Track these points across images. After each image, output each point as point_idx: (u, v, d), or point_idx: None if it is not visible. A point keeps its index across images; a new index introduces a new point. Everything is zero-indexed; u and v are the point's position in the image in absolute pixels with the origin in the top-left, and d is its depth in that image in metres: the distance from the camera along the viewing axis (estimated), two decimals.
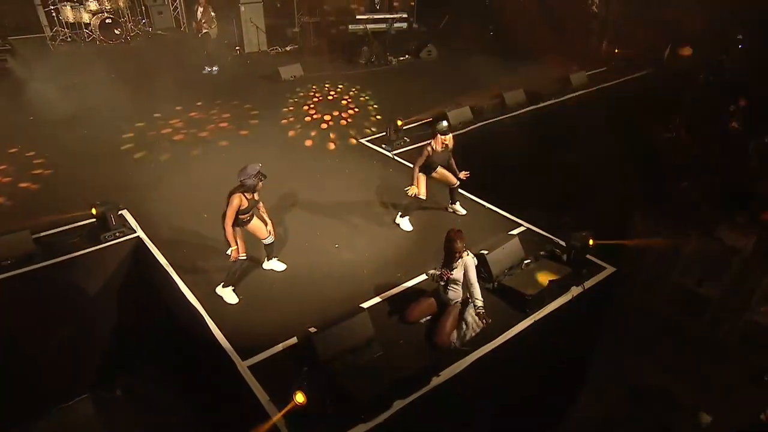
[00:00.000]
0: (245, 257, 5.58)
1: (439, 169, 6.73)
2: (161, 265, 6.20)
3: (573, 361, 5.95)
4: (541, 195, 8.02)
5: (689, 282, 8.16)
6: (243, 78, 12.85)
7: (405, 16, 13.48)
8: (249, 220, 5.56)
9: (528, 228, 6.90)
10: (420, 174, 6.61)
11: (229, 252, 5.42)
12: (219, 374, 5.27)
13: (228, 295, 5.66)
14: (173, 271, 6.07)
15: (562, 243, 6.28)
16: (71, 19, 13.26)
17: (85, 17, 13.17)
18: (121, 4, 13.73)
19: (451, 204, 7.22)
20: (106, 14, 13.23)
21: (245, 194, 5.30)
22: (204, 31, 12.61)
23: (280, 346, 5.01)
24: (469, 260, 5.01)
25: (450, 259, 5.04)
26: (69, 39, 13.22)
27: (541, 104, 10.90)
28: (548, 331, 5.42)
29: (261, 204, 5.62)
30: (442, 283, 5.14)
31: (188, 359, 6.40)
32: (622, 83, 12.45)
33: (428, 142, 6.56)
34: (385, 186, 7.93)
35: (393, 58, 13.85)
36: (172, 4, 15.24)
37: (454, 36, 15.80)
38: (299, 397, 4.07)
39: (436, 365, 4.74)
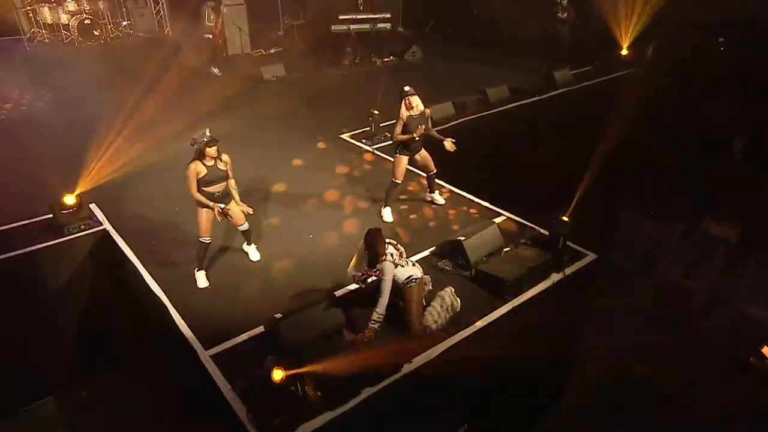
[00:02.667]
0: (208, 240, 5.39)
1: (422, 153, 6.57)
2: (128, 257, 5.97)
3: (554, 348, 5.74)
4: (522, 187, 7.87)
5: (675, 273, 8.03)
6: (224, 78, 12.69)
7: (388, 16, 13.38)
8: (223, 196, 5.32)
9: (508, 217, 6.73)
10: (401, 156, 6.44)
11: (204, 224, 5.29)
12: (183, 367, 5.02)
13: (199, 278, 5.51)
14: (138, 261, 5.83)
15: (543, 231, 6.12)
16: (49, 21, 13.08)
17: (64, 18, 12.99)
18: (101, 5, 13.57)
19: (430, 193, 7.05)
20: (84, 15, 13.06)
21: (202, 161, 5.10)
22: (213, 33, 12.49)
23: (245, 335, 4.78)
24: (389, 267, 4.61)
25: (373, 261, 4.67)
26: (47, 40, 13.02)
27: (525, 100, 10.80)
28: (527, 317, 5.23)
29: (233, 182, 5.40)
30: (363, 286, 4.89)
31: (157, 356, 6.14)
32: (609, 80, 12.40)
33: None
34: (365, 179, 7.76)
35: (377, 59, 13.76)
36: (155, 7, 15.11)
37: (440, 39, 15.77)
38: (276, 374, 3.84)
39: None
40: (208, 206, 5.19)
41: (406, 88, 6.34)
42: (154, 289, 5.40)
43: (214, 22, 12.46)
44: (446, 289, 5.02)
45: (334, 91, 11.86)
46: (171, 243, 6.19)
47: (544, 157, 9.13)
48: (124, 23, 14.15)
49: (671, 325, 7.46)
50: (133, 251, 6.01)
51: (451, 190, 7.40)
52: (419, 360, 4.47)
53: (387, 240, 4.79)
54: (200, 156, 5.10)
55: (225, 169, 5.26)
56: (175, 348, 4.99)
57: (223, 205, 5.22)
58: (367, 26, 13.34)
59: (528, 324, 5.23)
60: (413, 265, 4.93)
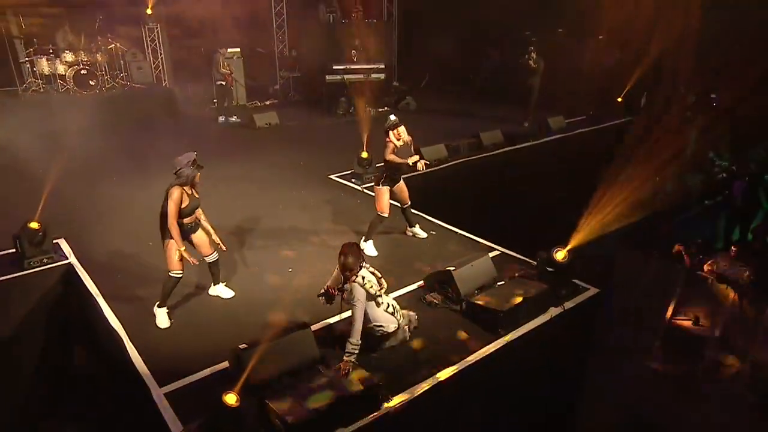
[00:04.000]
0: (180, 274, 4.92)
1: (400, 184, 6.34)
2: (90, 292, 5.50)
3: (556, 388, 5.16)
4: (517, 225, 7.47)
5: (683, 320, 7.46)
6: (215, 125, 12.68)
7: (382, 66, 13.51)
8: (193, 228, 4.94)
9: (502, 252, 6.32)
10: (383, 187, 6.17)
11: (176, 256, 4.78)
12: (136, 407, 4.44)
13: (160, 316, 4.95)
14: (100, 295, 5.37)
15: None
16: (46, 71, 13.17)
17: (60, 69, 13.08)
18: (98, 57, 13.72)
19: (409, 228, 6.71)
20: (81, 66, 13.17)
21: (184, 188, 4.72)
22: (226, 80, 12.77)
23: (207, 371, 4.25)
24: (359, 291, 4.15)
25: (343, 278, 4.27)
26: (41, 90, 13.05)
27: (518, 145, 10.64)
28: (522, 354, 4.70)
29: (200, 211, 5.03)
30: (328, 304, 4.40)
31: (113, 396, 5.53)
32: (602, 129, 12.32)
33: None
34: (352, 216, 7.40)
35: (371, 109, 13.74)
36: (154, 61, 15.33)
37: (433, 93, 15.93)
38: (230, 399, 3.33)
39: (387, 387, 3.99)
40: (179, 247, 4.74)
41: (393, 118, 6.13)
42: (111, 323, 4.91)
43: (227, 69, 12.78)
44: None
45: (325, 137, 11.75)
46: (139, 278, 5.74)
47: (540, 198, 8.85)
48: (121, 75, 14.26)
49: (682, 370, 6.82)
50: (96, 286, 5.56)
51: (439, 225, 7.03)
52: (401, 397, 3.94)
53: (370, 268, 4.37)
54: (188, 182, 4.73)
55: (197, 197, 4.91)
56: (130, 386, 4.45)
57: (184, 248, 4.78)
58: (361, 76, 13.43)
59: (525, 361, 4.71)
60: (393, 309, 4.45)
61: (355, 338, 4.10)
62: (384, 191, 6.17)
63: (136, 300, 5.35)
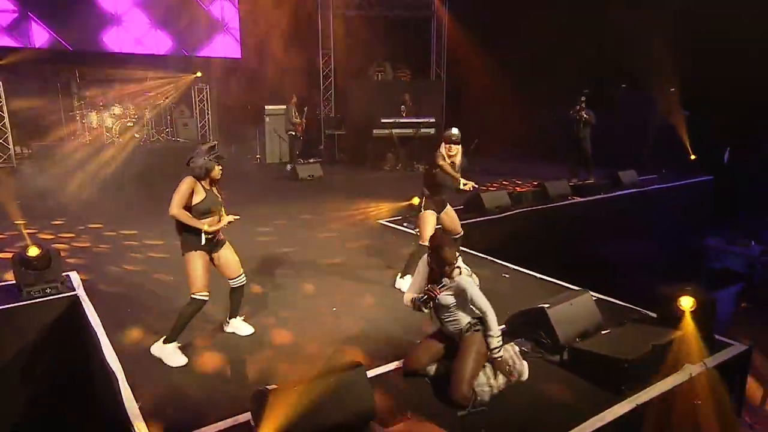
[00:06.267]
0: (205, 297, 3.90)
1: (448, 210, 5.34)
2: (92, 325, 4.51)
3: None
4: (604, 274, 6.23)
5: None
6: (257, 178, 12.13)
7: (432, 120, 12.86)
8: (214, 245, 3.98)
9: (598, 298, 5.04)
10: (428, 212, 5.18)
11: (200, 271, 3.88)
12: None
13: (170, 354, 3.88)
14: (103, 330, 4.35)
15: (652, 314, 4.41)
16: (95, 124, 13.14)
17: (108, 122, 13.04)
18: (146, 113, 13.69)
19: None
20: (129, 118, 13.10)
21: (201, 182, 3.83)
22: (297, 130, 12.60)
23: (222, 425, 3.09)
24: (467, 279, 3.50)
25: (438, 275, 3.48)
26: (87, 141, 12.93)
27: (588, 198, 9.51)
28: (654, 422, 3.36)
29: (227, 219, 4.07)
30: (426, 310, 3.51)
31: None
32: (674, 188, 11.09)
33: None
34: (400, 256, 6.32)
35: (420, 166, 12.94)
36: (200, 120, 15.26)
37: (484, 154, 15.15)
38: None
39: None
40: (198, 228, 3.80)
41: (455, 131, 5.18)
42: (108, 361, 3.84)
43: (298, 119, 12.53)
44: (506, 345, 3.53)
45: (371, 188, 10.90)
46: (150, 311, 4.74)
47: (621, 250, 7.64)
48: (167, 130, 14.14)
49: None
50: (101, 319, 4.56)
51: (510, 268, 5.87)
52: None
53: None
54: (203, 175, 3.86)
55: (220, 195, 3.99)
56: None
57: (205, 226, 3.83)
58: (410, 131, 12.78)
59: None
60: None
61: (496, 327, 3.43)
62: (429, 216, 5.19)
63: (144, 334, 4.31)
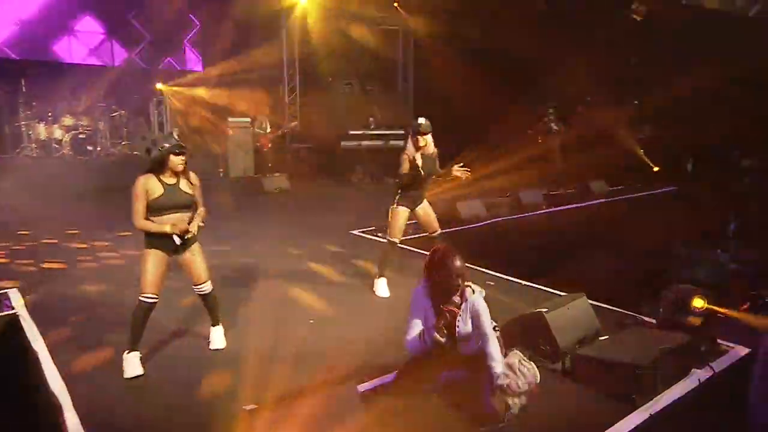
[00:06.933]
0: (154, 299, 3.47)
1: (424, 205, 5.05)
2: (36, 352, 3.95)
3: None
4: (595, 275, 6.01)
5: None
6: (222, 191, 11.54)
7: (402, 132, 12.62)
8: (179, 246, 3.54)
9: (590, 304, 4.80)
10: (400, 208, 4.90)
11: (151, 270, 3.48)
12: None
13: (126, 364, 3.45)
14: (47, 353, 3.82)
15: (649, 320, 4.20)
16: (42, 136, 12.31)
17: (57, 133, 12.25)
18: (100, 125, 12.96)
19: None
20: (80, 129, 12.35)
21: (159, 176, 3.42)
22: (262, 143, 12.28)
23: None
24: (479, 300, 3.03)
25: (445, 298, 3.00)
26: (35, 155, 12.09)
27: (562, 207, 9.43)
28: None
29: (202, 211, 3.66)
30: (443, 339, 3.00)
31: None
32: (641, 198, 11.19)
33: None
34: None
35: (390, 179, 12.67)
36: (159, 131, 14.60)
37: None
38: None
39: None
40: (162, 231, 3.42)
41: (422, 121, 4.89)
42: (52, 388, 3.33)
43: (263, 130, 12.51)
44: (512, 352, 3.19)
45: (341, 201, 10.55)
46: (100, 324, 4.23)
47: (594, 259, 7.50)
48: (122, 143, 13.41)
49: None
50: (45, 340, 4.01)
51: (494, 276, 5.61)
52: None
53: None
54: (158, 168, 3.44)
55: (191, 192, 3.57)
56: None
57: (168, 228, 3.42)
58: (379, 143, 12.52)
59: None
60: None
61: (500, 356, 2.97)
62: (399, 213, 4.93)
63: (91, 351, 3.81)
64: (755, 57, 10.56)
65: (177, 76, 14.69)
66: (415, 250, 6.43)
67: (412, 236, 6.57)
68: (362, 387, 3.15)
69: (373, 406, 2.90)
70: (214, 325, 3.89)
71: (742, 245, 10.04)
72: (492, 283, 5.43)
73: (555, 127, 10.72)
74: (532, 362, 3.15)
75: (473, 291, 3.05)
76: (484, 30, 12.74)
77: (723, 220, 10.87)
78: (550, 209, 9.31)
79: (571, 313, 3.77)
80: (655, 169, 12.29)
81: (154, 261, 3.44)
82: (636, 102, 12.20)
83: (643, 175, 12.01)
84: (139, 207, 3.38)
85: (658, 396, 3.21)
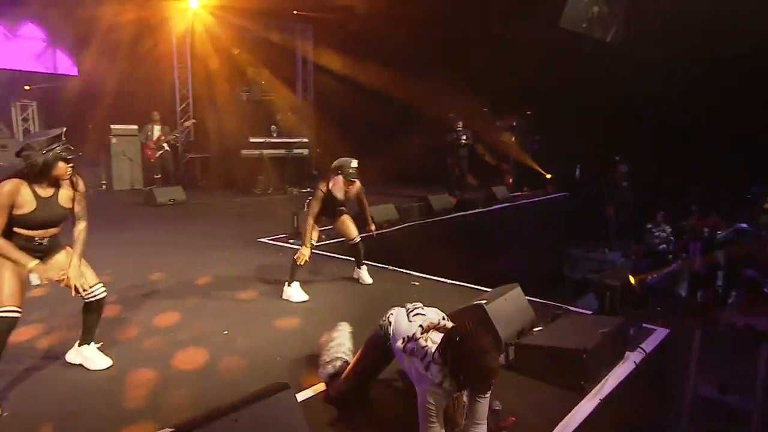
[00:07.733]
0: (17, 313, 2.79)
1: (344, 216, 5.03)
2: None
3: None
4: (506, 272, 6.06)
5: (709, 389, 6.15)
6: (106, 205, 10.39)
7: (306, 141, 12.25)
8: (45, 246, 2.91)
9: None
10: (313, 225, 4.74)
11: (8, 283, 2.78)
12: None
13: None
14: None
15: (578, 309, 4.24)
16: None
17: None
18: None
19: (357, 268, 5.24)
20: None
21: (32, 183, 2.81)
22: (164, 149, 11.44)
23: None
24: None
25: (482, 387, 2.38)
26: None
27: (470, 211, 9.60)
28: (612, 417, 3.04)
29: (82, 226, 3.05)
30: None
31: None
32: (538, 203, 11.78)
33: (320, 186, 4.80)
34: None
35: (294, 189, 12.20)
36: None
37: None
38: None
39: None
40: (21, 264, 2.81)
41: (354, 164, 4.75)
42: None
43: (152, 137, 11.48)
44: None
45: (242, 211, 9.90)
46: None
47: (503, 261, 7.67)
48: None
49: None
50: None
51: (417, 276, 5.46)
52: None
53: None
54: (37, 176, 2.81)
55: (69, 207, 2.97)
56: None
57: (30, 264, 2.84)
58: (282, 151, 12.01)
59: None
60: None
61: None
62: (314, 230, 4.82)
63: None
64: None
65: (42, 79, 13.11)
66: (330, 255, 6.15)
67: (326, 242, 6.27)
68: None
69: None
70: (84, 343, 3.22)
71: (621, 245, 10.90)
72: (417, 283, 5.27)
73: (464, 139, 10.88)
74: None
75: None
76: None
77: (606, 221, 11.74)
78: (460, 213, 9.45)
79: (508, 304, 3.66)
80: (548, 176, 13.00)
81: (9, 271, 2.78)
82: (529, 113, 12.86)
83: (539, 182, 12.69)
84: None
85: (603, 381, 3.16)
